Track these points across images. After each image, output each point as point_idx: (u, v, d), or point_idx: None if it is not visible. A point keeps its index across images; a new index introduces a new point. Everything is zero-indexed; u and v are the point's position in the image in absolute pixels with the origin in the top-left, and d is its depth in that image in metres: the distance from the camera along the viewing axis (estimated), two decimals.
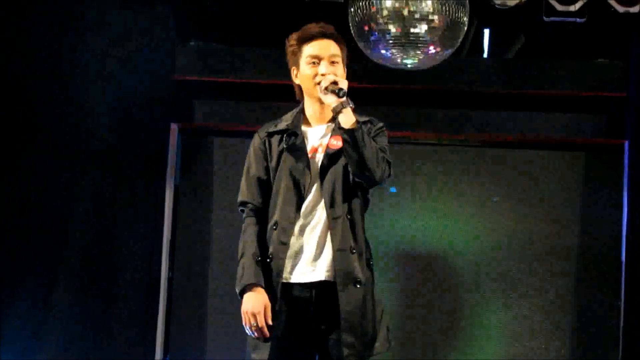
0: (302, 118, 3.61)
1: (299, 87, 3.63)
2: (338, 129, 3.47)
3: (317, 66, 3.52)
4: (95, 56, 5.52)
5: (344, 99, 3.42)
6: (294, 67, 3.61)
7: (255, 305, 3.45)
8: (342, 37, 3.61)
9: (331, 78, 3.45)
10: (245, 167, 3.64)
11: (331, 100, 3.43)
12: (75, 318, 5.44)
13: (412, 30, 4.57)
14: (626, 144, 5.58)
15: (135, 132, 5.53)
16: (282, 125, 3.61)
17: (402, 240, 5.68)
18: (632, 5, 5.16)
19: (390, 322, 3.64)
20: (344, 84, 3.45)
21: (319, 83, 3.48)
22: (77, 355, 5.40)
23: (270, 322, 3.45)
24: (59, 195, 5.50)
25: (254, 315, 3.45)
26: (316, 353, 3.54)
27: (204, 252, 5.72)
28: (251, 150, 3.64)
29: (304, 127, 3.59)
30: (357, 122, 3.42)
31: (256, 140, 3.64)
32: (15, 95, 5.47)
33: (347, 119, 3.41)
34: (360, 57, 4.74)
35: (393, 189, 3.28)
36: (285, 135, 3.58)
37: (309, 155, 3.54)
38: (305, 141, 3.56)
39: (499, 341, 5.65)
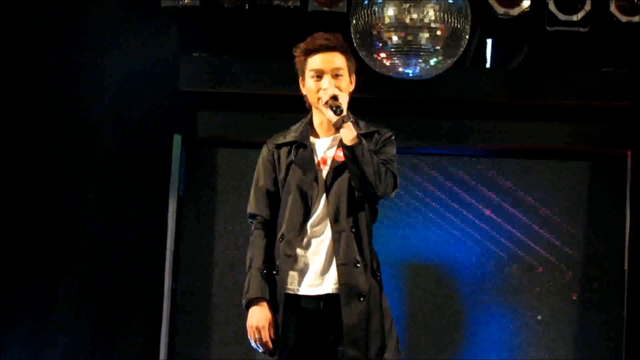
0: (310, 129, 3.60)
1: (307, 97, 3.62)
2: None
3: (321, 80, 3.50)
4: (99, 67, 5.54)
5: (344, 114, 3.41)
6: (301, 77, 3.60)
7: (259, 319, 3.46)
8: (348, 46, 3.59)
9: (330, 92, 3.42)
10: (254, 179, 3.62)
11: (331, 115, 3.42)
12: (77, 328, 5.44)
13: (414, 39, 4.58)
14: (630, 153, 5.57)
15: (139, 142, 5.54)
16: (291, 136, 3.59)
17: (404, 250, 5.67)
18: (634, 14, 5.16)
19: None
20: (343, 99, 3.42)
21: (321, 98, 3.47)
22: None
23: (274, 336, 3.45)
24: (62, 205, 5.51)
25: (259, 330, 3.45)
26: None
27: (208, 263, 5.71)
28: (260, 162, 3.63)
29: (312, 139, 3.57)
30: (358, 137, 3.39)
31: (265, 152, 3.62)
32: (21, 106, 5.49)
33: (348, 134, 3.39)
34: (363, 67, 4.74)
35: None
36: (293, 147, 3.57)
37: (317, 168, 3.53)
38: (314, 153, 3.55)
39: (503, 351, 5.64)
